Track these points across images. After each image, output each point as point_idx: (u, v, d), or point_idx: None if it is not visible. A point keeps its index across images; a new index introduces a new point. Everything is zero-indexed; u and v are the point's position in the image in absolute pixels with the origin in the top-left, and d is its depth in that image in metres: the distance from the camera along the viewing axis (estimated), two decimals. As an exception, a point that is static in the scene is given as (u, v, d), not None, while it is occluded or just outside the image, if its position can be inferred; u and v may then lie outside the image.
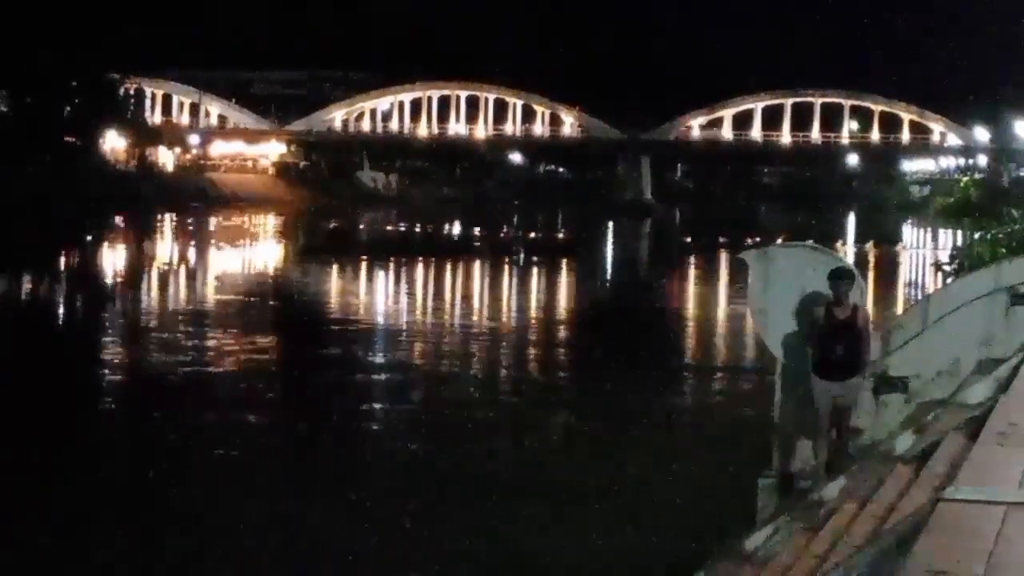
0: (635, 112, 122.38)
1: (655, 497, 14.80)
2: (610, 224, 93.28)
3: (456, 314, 36.95)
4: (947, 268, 26.63)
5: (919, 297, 34.92)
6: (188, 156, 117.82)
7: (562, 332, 33.11)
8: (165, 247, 64.17)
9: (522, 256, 60.42)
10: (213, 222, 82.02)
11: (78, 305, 38.62)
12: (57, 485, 15.04)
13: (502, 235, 77.05)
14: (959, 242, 45.37)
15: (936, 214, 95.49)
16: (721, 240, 63.70)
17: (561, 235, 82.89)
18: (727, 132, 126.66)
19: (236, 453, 17.19)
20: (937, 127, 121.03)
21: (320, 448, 17.58)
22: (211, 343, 27.85)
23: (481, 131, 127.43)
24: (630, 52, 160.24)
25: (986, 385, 10.03)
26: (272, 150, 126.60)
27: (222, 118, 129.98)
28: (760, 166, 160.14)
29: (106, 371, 24.54)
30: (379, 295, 42.54)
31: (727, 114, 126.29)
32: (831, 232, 72.39)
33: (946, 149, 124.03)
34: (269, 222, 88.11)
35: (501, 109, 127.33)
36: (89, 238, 62.76)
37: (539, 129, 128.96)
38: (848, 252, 56.93)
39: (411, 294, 42.77)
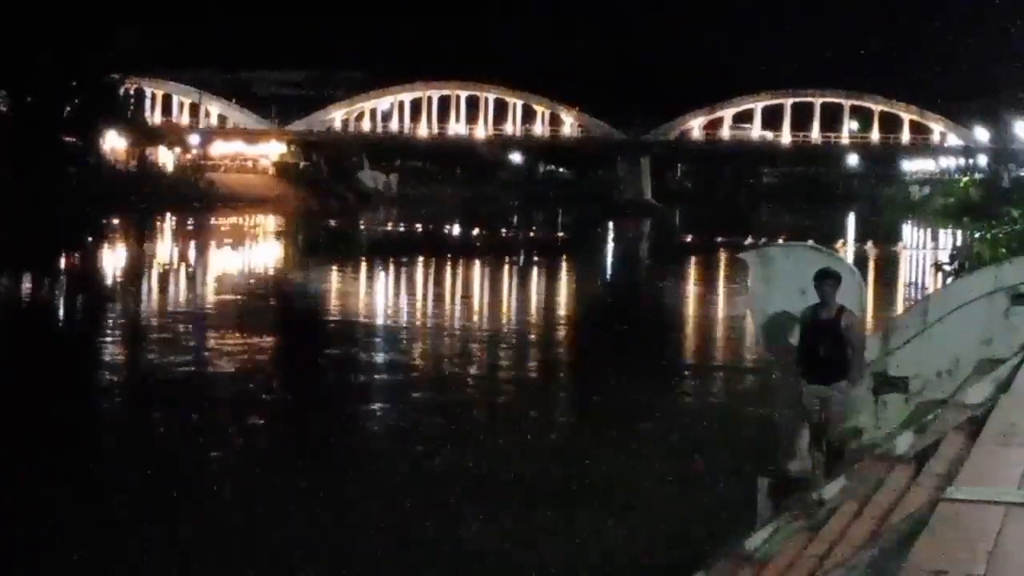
0: (635, 112, 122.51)
1: (655, 497, 14.80)
2: (610, 224, 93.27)
3: (456, 314, 36.94)
4: (947, 268, 26.58)
5: (919, 297, 34.95)
6: (188, 156, 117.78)
7: (562, 332, 33.10)
8: (165, 247, 64.19)
9: (522, 256, 60.42)
10: (213, 222, 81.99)
11: (78, 305, 38.60)
12: (57, 485, 15.04)
13: (502, 235, 76.99)
14: (959, 242, 45.38)
15: (936, 214, 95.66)
16: (721, 240, 63.66)
17: (561, 235, 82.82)
18: (727, 132, 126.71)
19: (236, 453, 17.20)
20: (937, 127, 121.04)
21: (320, 448, 17.56)
22: (211, 343, 27.86)
23: (481, 131, 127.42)
24: (630, 52, 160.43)
25: (986, 385, 10.01)
26: (272, 150, 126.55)
27: (222, 118, 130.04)
28: (760, 166, 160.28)
29: (106, 371, 24.56)
30: (379, 295, 42.52)
31: (727, 114, 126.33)
32: (831, 232, 72.39)
33: (946, 149, 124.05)
34: (269, 222, 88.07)
35: (501, 109, 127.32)
36: (89, 238, 62.79)
37: (539, 129, 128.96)
38: (848, 252, 56.91)
39: (411, 294, 42.77)
